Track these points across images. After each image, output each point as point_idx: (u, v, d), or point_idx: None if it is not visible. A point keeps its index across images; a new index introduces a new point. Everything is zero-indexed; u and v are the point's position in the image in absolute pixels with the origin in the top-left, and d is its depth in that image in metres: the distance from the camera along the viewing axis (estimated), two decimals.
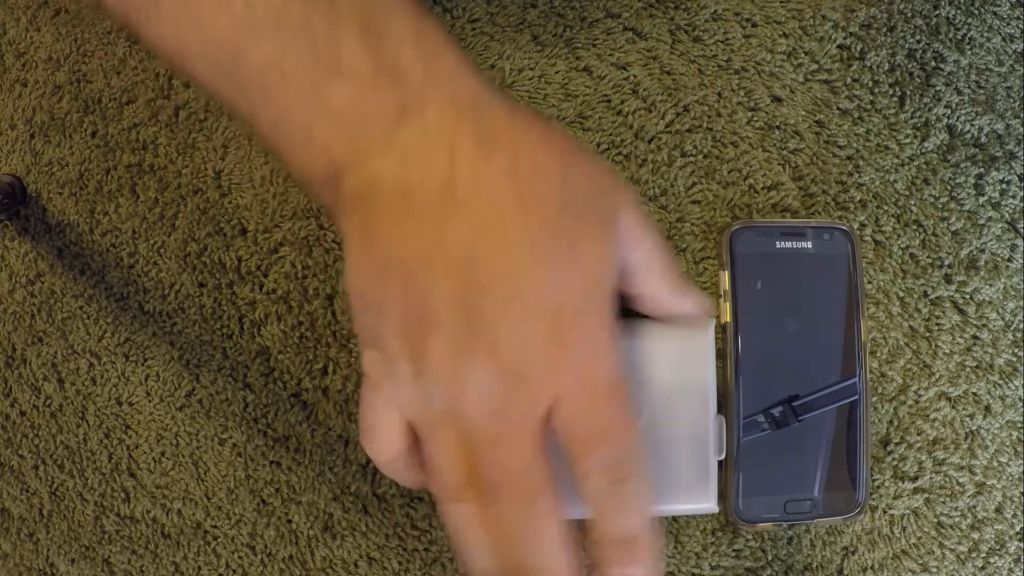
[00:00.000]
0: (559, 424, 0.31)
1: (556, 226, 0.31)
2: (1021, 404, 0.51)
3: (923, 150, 0.53)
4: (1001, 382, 0.51)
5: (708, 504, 0.44)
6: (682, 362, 0.43)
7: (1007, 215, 0.52)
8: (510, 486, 0.31)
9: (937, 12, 0.53)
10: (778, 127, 0.52)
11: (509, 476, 0.31)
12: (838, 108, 0.53)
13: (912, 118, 0.53)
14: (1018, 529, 0.51)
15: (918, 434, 0.51)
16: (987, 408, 0.51)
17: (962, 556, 0.51)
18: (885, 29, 0.53)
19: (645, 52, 0.53)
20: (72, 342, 0.54)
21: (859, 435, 0.49)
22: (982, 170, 0.52)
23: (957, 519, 0.51)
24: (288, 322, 0.52)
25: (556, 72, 0.53)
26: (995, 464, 0.51)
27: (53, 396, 0.54)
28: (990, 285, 0.52)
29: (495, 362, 0.30)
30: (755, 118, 0.52)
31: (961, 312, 0.52)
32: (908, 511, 0.51)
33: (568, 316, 0.31)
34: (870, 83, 0.53)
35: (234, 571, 0.52)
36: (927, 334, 0.51)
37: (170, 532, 0.52)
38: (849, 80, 0.53)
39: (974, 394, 0.51)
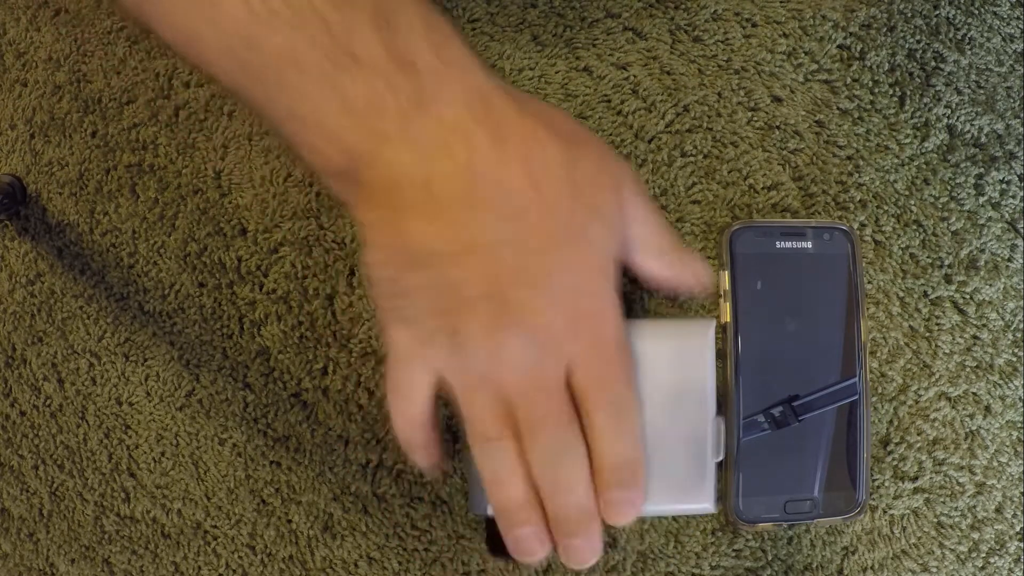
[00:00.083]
0: (574, 379, 0.36)
1: (569, 211, 0.35)
2: (1021, 404, 0.51)
3: (923, 150, 0.53)
4: (1001, 382, 0.51)
5: (706, 505, 0.44)
6: (682, 362, 0.43)
7: (1007, 215, 0.52)
8: (547, 422, 0.36)
9: (937, 12, 0.53)
10: (778, 127, 0.52)
11: (546, 415, 0.36)
12: (838, 108, 0.53)
13: (912, 118, 0.53)
14: (1018, 529, 0.51)
15: (918, 434, 0.51)
16: (987, 408, 0.51)
17: (962, 556, 0.51)
18: (885, 29, 0.53)
19: (645, 52, 0.53)
20: (72, 342, 0.54)
21: (859, 435, 0.49)
22: (982, 170, 0.52)
23: (957, 519, 0.51)
24: (288, 322, 0.52)
25: (556, 72, 0.53)
26: (995, 464, 0.51)
27: (53, 396, 0.54)
28: (990, 285, 0.52)
29: (526, 333, 0.35)
30: (755, 118, 0.52)
31: (961, 312, 0.52)
32: (908, 511, 0.51)
33: (582, 289, 0.35)
34: (870, 83, 0.53)
35: (234, 571, 0.52)
36: (927, 334, 0.51)
37: (170, 532, 0.52)
38: (849, 80, 0.53)
39: (974, 394, 0.51)
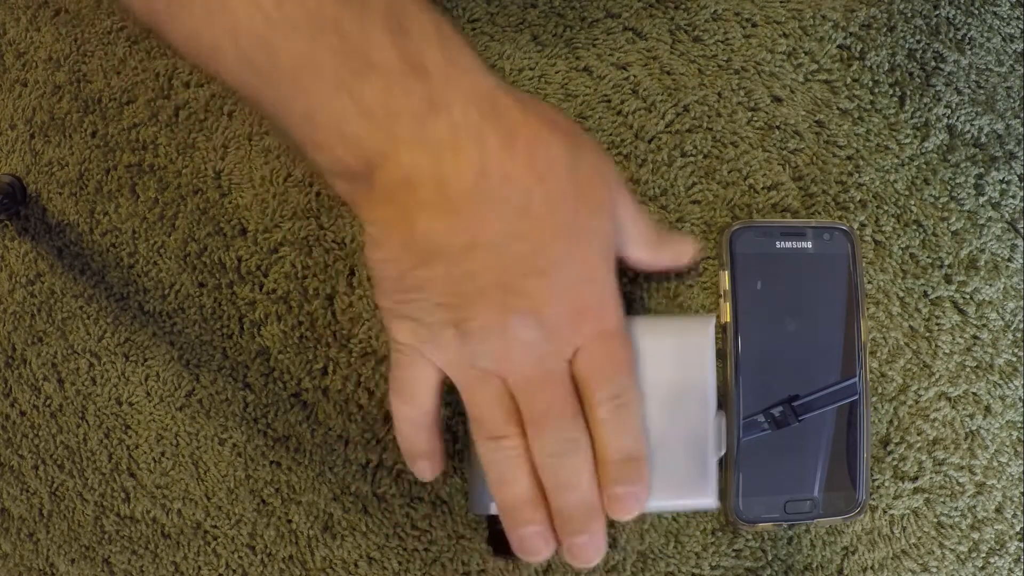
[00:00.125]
0: (578, 368, 0.37)
1: (573, 206, 0.36)
2: (1021, 404, 0.51)
3: (923, 150, 0.53)
4: (1001, 382, 0.51)
5: (708, 500, 0.44)
6: (682, 359, 0.43)
7: (1007, 215, 0.52)
8: (552, 415, 0.37)
9: (937, 12, 0.53)
10: (778, 127, 0.52)
11: (552, 407, 0.37)
12: (838, 108, 0.53)
13: (912, 118, 0.53)
14: (1018, 529, 0.51)
15: (918, 434, 0.51)
16: (987, 408, 0.51)
17: (962, 556, 0.51)
18: (885, 29, 0.53)
19: (645, 52, 0.53)
20: (72, 342, 0.54)
21: (859, 435, 0.49)
22: (982, 170, 0.52)
23: (957, 519, 0.51)
24: (288, 322, 0.52)
25: (556, 72, 0.53)
26: (995, 464, 0.51)
27: (53, 396, 0.54)
28: (990, 285, 0.52)
29: (534, 318, 0.36)
30: (755, 118, 0.52)
31: (961, 312, 0.52)
32: (908, 511, 0.51)
33: (586, 280, 0.37)
34: (870, 83, 0.53)
35: (234, 571, 0.52)
36: (927, 334, 0.51)
37: (170, 532, 0.52)
38: (849, 80, 0.53)
39: (974, 394, 0.51)
